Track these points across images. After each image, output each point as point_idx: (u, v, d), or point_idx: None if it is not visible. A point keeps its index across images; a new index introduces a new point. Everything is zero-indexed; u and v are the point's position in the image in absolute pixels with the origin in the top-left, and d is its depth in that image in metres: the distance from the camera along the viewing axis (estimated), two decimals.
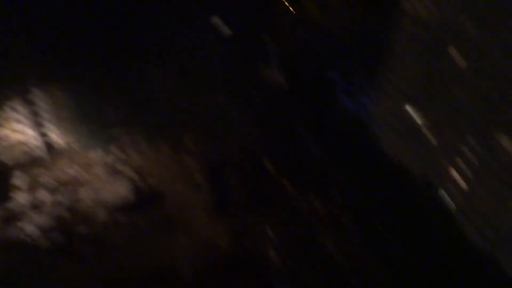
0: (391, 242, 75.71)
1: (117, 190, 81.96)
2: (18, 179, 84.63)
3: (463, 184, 77.03)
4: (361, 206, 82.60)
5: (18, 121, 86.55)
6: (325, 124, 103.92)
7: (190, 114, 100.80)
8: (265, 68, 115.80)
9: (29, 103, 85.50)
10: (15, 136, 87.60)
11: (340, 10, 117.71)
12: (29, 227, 75.78)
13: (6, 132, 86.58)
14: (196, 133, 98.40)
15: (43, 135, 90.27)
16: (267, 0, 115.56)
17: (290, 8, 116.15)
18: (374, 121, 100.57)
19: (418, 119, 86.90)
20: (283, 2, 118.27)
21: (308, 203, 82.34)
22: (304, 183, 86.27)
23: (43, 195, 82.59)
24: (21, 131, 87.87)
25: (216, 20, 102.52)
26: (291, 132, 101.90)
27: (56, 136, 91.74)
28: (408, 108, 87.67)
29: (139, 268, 70.65)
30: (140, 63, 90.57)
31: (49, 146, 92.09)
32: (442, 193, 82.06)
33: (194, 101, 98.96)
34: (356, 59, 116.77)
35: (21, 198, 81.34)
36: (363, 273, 69.35)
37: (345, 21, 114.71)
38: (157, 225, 77.86)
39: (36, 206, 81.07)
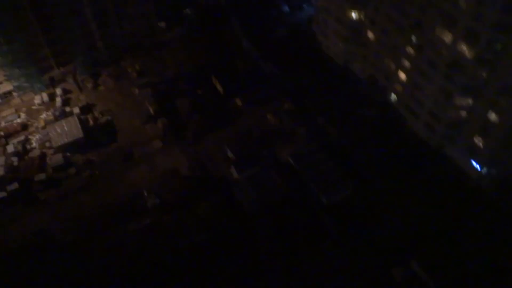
0: (342, 142, 78.56)
1: (69, 131, 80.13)
2: None
3: (407, 80, 79.33)
4: (312, 112, 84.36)
5: None
6: (270, 38, 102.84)
7: (130, 45, 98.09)
8: None
9: None
10: None
11: None
12: None
13: None
14: (141, 63, 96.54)
15: None
16: None
17: None
18: (320, 30, 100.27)
19: (362, 23, 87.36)
20: None
21: (261, 117, 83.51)
22: (256, 99, 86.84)
23: None
24: None
25: None
26: (236, 50, 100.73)
27: None
28: (353, 13, 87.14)
29: (103, 203, 71.21)
30: None
31: None
32: (390, 94, 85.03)
33: (131, 30, 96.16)
34: None
35: None
36: (316, 172, 72.22)
37: None
38: (114, 160, 77.59)
39: None
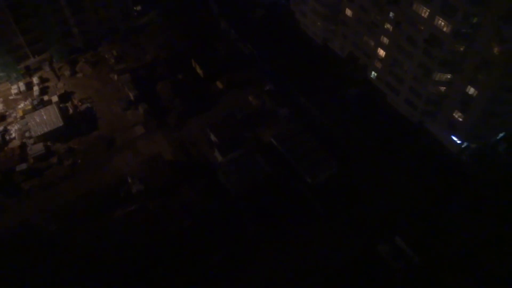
0: (325, 122, 79.07)
1: (48, 120, 78.95)
2: None
3: (386, 57, 79.55)
4: (293, 93, 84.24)
5: None
6: (248, 18, 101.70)
7: (106, 30, 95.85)
8: None
9: None
10: None
11: None
12: None
13: None
14: (118, 49, 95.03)
15: None
16: None
17: None
18: (298, 8, 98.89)
19: (340, 0, 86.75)
20: None
21: (243, 99, 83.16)
22: (237, 81, 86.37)
23: None
24: None
25: None
26: (215, 32, 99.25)
27: None
28: None
29: (87, 191, 70.37)
30: None
31: None
32: (371, 71, 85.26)
33: (107, 15, 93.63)
34: None
35: None
36: (300, 153, 72.15)
37: None
38: (96, 147, 76.83)
39: None
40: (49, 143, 77.60)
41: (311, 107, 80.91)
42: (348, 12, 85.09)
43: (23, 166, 74.11)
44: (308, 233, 64.23)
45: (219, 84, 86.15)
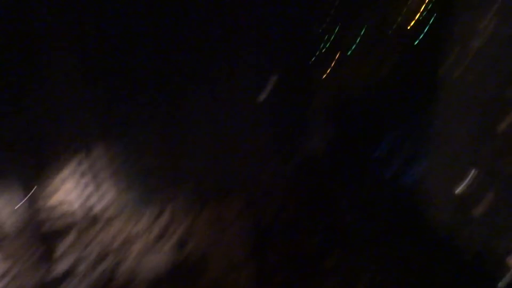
0: None
1: (162, 259, 78.95)
2: (64, 244, 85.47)
3: None
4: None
5: (69, 183, 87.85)
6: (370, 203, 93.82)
7: (237, 181, 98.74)
8: (303, 132, 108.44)
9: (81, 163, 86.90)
10: (64, 198, 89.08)
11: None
12: None
13: (58, 194, 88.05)
14: (243, 203, 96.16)
15: (91, 198, 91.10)
16: None
17: None
18: (429, 197, 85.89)
19: (487, 191, 74.46)
20: None
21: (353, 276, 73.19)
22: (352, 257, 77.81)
23: (86, 264, 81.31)
24: (72, 194, 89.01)
25: None
26: (334, 206, 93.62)
27: (106, 202, 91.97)
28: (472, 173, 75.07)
29: None
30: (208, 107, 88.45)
31: (96, 212, 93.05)
32: None
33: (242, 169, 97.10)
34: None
35: (63, 264, 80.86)
36: None
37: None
38: None
39: (76, 274, 79.82)
40: (155, 283, 76.61)
41: None
42: (502, 213, 71.37)
43: None
44: None
45: (332, 261, 77.72)
